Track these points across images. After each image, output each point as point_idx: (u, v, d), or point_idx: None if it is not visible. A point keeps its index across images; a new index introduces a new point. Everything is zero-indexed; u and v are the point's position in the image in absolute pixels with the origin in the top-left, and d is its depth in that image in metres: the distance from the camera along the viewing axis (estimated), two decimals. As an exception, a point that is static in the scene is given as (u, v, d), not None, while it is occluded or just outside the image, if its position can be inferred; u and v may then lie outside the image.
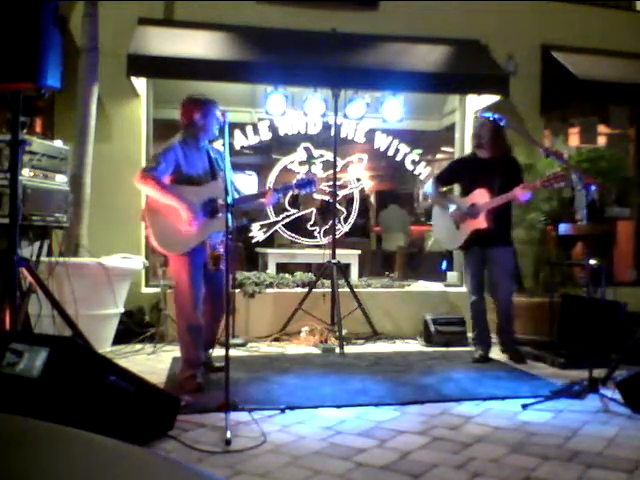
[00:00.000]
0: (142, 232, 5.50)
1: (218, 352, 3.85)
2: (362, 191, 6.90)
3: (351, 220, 6.43)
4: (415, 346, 5.15)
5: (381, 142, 6.22)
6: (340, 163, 5.93)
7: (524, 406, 3.24)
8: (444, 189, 4.72)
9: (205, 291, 3.67)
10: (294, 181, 4.11)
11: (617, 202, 6.54)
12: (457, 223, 4.44)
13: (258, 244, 6.53)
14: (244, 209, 4.15)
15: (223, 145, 3.20)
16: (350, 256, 6.38)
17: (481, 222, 4.31)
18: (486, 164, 4.39)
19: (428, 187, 4.70)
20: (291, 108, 5.62)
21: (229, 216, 2.96)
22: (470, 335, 4.71)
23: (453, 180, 4.75)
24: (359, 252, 6.62)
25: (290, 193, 5.14)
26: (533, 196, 4.35)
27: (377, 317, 5.35)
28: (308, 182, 3.98)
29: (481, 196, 4.33)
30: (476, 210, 4.33)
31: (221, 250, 3.61)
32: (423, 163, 6.37)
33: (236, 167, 3.92)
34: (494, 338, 4.63)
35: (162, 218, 3.51)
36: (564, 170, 3.66)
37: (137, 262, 4.87)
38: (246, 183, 7.41)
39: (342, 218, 6.32)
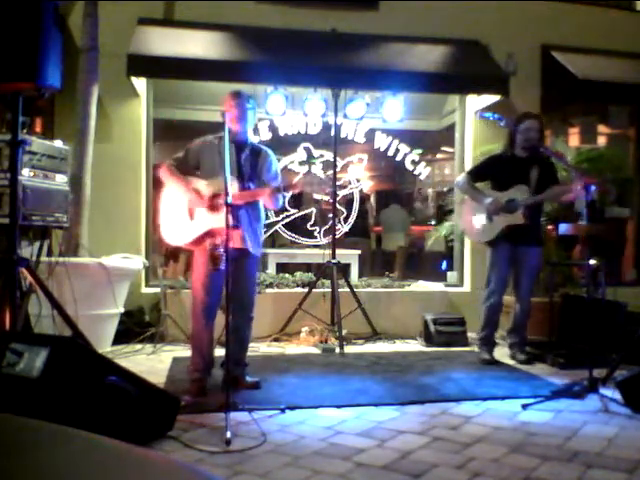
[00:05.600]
0: (142, 232, 5.51)
1: (218, 352, 3.84)
2: (361, 191, 6.88)
3: (351, 220, 6.43)
4: (415, 346, 5.14)
5: (381, 142, 6.22)
6: (340, 163, 5.93)
7: (524, 406, 3.25)
8: (476, 184, 4.52)
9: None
10: (299, 180, 4.01)
11: (617, 202, 6.55)
12: (491, 216, 4.27)
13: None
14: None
15: (223, 144, 3.19)
16: (350, 256, 6.38)
17: (518, 218, 4.19)
18: (524, 162, 4.29)
19: (460, 178, 4.54)
20: (291, 108, 5.62)
21: (229, 216, 2.96)
22: (474, 335, 4.66)
23: (487, 176, 4.53)
24: (359, 252, 6.62)
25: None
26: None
27: (377, 317, 5.34)
28: (318, 182, 3.63)
29: (521, 192, 4.22)
30: (515, 205, 4.20)
31: (221, 250, 3.59)
32: (423, 163, 6.37)
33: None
34: (499, 339, 4.61)
35: (170, 207, 3.56)
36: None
37: (137, 262, 4.87)
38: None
39: (342, 218, 6.32)
